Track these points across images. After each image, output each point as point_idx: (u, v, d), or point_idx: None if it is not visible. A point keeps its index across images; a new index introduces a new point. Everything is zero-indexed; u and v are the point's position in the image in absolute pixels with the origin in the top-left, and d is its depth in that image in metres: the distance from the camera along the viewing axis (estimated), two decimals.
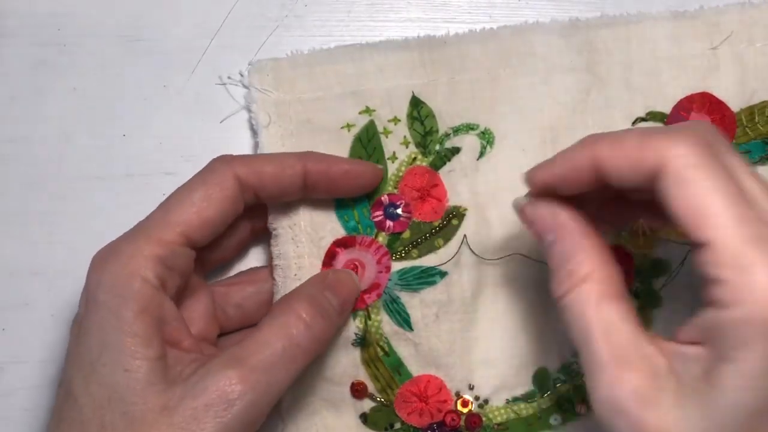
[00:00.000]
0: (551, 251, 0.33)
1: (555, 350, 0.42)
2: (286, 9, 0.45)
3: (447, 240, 0.42)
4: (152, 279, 0.35)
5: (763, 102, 0.43)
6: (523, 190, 0.39)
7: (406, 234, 0.42)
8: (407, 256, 0.42)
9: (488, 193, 0.42)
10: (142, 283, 0.34)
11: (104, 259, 0.35)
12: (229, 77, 0.44)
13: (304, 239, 0.41)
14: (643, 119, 0.43)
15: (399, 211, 0.42)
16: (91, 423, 0.33)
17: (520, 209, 0.35)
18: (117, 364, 0.33)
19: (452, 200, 0.42)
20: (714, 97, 0.43)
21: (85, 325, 0.35)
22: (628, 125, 0.43)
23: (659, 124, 0.42)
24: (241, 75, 0.43)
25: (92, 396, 0.33)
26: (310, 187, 0.39)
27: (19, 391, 0.43)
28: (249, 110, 0.43)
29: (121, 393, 0.33)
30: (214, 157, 0.39)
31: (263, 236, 0.43)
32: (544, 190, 0.34)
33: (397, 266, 0.42)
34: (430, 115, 0.42)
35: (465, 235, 0.42)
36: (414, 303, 0.42)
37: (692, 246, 0.29)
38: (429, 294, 0.42)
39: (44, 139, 0.44)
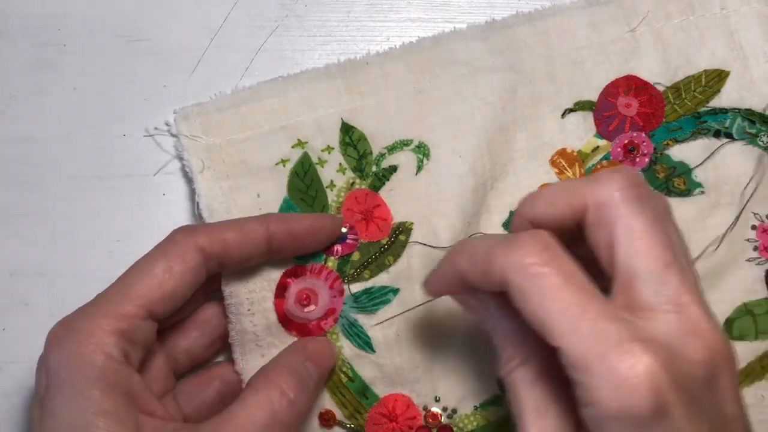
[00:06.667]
0: (493, 335, 0.34)
1: None
2: (286, 9, 0.45)
3: (397, 257, 0.41)
4: (116, 354, 0.34)
5: (687, 77, 0.43)
6: (465, 198, 0.41)
7: (356, 255, 0.41)
8: (359, 278, 0.41)
9: (432, 205, 0.42)
10: (106, 359, 0.33)
11: (62, 337, 0.34)
12: (156, 128, 0.44)
13: (253, 275, 0.41)
14: (571, 110, 0.43)
15: (345, 233, 0.41)
16: None
17: (464, 306, 0.36)
18: None
19: (397, 218, 0.42)
20: (639, 79, 0.43)
21: (49, 406, 0.33)
22: (557, 118, 0.43)
23: (588, 113, 0.43)
24: (167, 125, 0.43)
25: None
26: (275, 249, 0.39)
27: (19, 391, 0.43)
28: (181, 158, 0.42)
29: None
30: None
31: None
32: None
33: (350, 289, 0.41)
34: (362, 138, 0.42)
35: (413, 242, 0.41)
36: (372, 324, 0.41)
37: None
38: (386, 313, 0.41)
39: (44, 139, 0.44)
